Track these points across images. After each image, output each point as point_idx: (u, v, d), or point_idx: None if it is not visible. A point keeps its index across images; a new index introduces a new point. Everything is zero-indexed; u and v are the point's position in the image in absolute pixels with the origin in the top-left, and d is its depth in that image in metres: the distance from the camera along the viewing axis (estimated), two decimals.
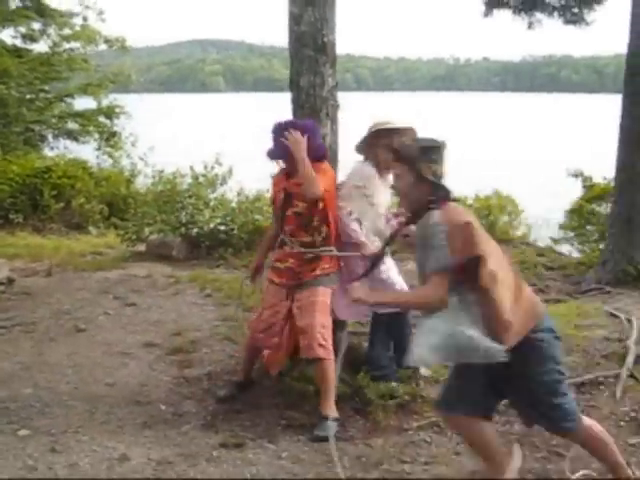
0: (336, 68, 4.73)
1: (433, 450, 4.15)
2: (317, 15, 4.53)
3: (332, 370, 4.43)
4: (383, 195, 4.73)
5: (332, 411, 4.39)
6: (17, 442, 4.27)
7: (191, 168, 10.09)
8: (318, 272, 4.53)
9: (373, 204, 4.67)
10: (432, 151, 3.35)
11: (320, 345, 4.39)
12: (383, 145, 4.56)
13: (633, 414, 4.53)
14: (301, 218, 4.53)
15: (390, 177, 4.63)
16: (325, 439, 4.20)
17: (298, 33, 4.60)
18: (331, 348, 4.45)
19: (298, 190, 4.46)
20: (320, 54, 4.60)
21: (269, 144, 4.55)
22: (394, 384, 4.72)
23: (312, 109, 4.64)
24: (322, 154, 4.57)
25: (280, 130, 4.42)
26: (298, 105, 4.70)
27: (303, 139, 4.34)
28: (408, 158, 3.31)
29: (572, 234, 10.37)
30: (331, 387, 4.42)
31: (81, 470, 3.94)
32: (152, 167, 10.67)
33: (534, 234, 11.18)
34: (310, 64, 4.60)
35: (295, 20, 4.60)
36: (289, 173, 4.59)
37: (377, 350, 4.91)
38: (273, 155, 4.60)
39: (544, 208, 11.58)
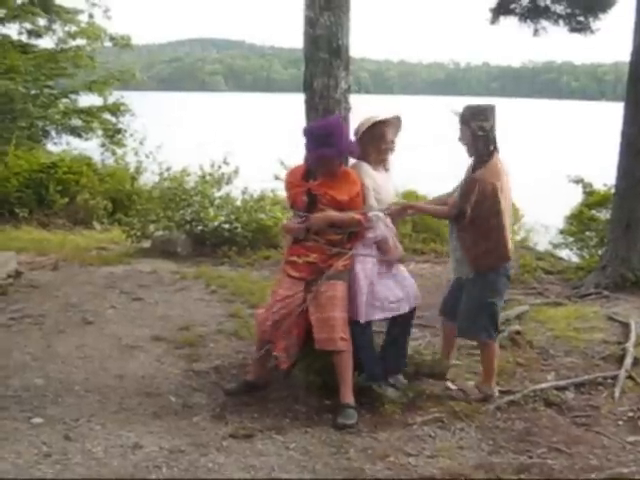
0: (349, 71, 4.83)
1: (437, 444, 4.26)
2: (332, 19, 4.64)
3: (351, 361, 4.57)
4: (385, 187, 4.79)
5: (352, 400, 4.54)
6: (31, 429, 4.36)
7: (200, 167, 10.19)
8: (340, 267, 4.60)
9: (380, 199, 4.73)
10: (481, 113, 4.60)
11: (341, 338, 4.53)
12: (378, 137, 4.70)
13: (631, 414, 4.67)
14: None
15: (381, 168, 4.79)
16: (349, 426, 4.37)
17: (313, 36, 4.70)
18: (350, 340, 4.59)
19: (323, 193, 4.57)
20: (334, 57, 4.70)
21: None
22: (389, 389, 4.78)
23: (325, 111, 4.74)
24: (352, 151, 4.71)
25: (311, 135, 4.57)
26: (312, 107, 4.79)
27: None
28: (464, 119, 4.62)
29: (571, 239, 10.46)
30: (350, 377, 4.57)
31: (95, 457, 4.03)
32: (159, 164, 10.70)
33: (534, 239, 11.28)
34: (324, 67, 4.70)
35: (311, 24, 4.70)
36: (308, 173, 4.67)
37: (365, 356, 4.83)
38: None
39: (544, 213, 11.66)
